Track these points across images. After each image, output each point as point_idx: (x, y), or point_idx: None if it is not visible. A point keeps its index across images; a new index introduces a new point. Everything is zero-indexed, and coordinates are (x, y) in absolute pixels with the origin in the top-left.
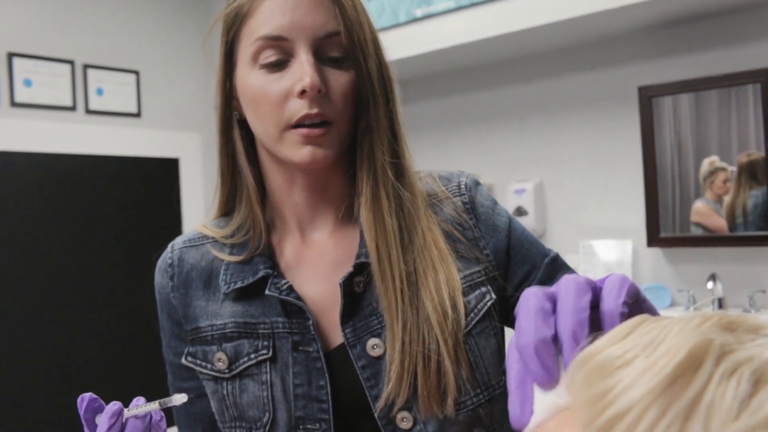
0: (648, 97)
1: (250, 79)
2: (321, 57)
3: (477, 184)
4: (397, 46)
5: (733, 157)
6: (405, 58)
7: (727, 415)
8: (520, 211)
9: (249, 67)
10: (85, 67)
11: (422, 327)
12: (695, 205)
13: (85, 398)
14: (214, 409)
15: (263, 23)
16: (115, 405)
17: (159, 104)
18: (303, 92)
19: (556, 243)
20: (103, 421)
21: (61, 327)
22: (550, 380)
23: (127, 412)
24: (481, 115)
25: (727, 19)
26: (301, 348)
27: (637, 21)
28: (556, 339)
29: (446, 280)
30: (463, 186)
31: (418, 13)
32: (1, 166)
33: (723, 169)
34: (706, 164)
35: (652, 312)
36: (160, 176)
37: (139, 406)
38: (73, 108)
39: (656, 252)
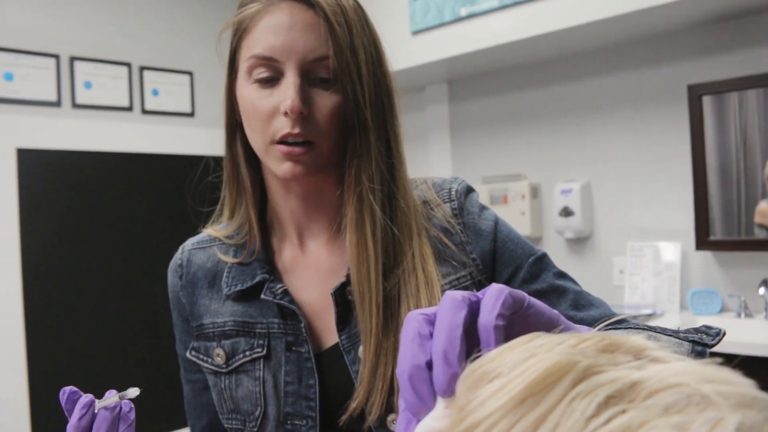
0: (698, 96)
1: (244, 91)
2: (311, 77)
3: (469, 191)
4: (443, 45)
5: None
6: (450, 57)
7: None
8: (567, 212)
9: (245, 79)
10: (142, 69)
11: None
12: (760, 205)
13: (65, 391)
14: (214, 401)
15: (258, 41)
16: (86, 397)
17: (212, 104)
18: (286, 113)
19: (603, 245)
20: (75, 411)
21: (124, 317)
22: (421, 408)
23: (99, 404)
24: (527, 114)
25: None
26: (294, 348)
27: (687, 17)
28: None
29: (428, 306)
30: (453, 192)
31: (463, 12)
32: (64, 165)
33: None
34: None
35: (547, 320)
36: (214, 173)
37: (109, 398)
38: (129, 108)
39: (706, 255)
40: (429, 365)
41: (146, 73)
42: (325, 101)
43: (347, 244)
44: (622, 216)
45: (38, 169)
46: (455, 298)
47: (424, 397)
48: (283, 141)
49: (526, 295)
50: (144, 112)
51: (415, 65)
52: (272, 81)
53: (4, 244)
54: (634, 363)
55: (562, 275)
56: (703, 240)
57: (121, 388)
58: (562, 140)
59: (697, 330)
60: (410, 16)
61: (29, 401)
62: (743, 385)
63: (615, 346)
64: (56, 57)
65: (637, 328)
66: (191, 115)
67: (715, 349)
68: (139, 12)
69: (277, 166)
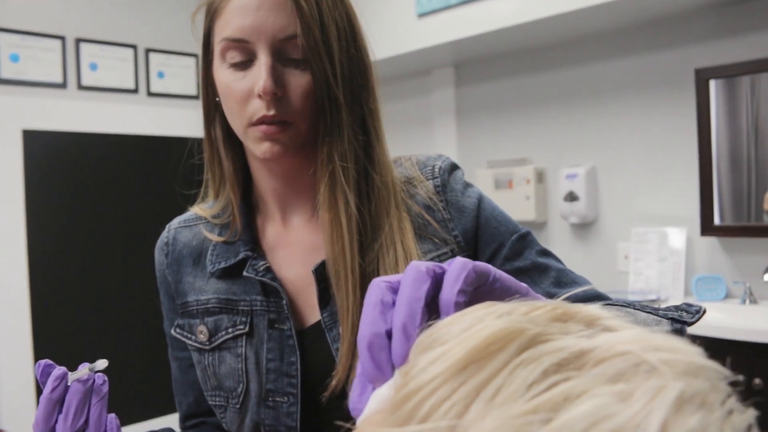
0: (705, 80)
1: (220, 74)
2: (284, 57)
3: (453, 168)
4: (449, 28)
5: None
6: (456, 40)
7: (506, 399)
8: (572, 197)
9: (219, 63)
10: (147, 51)
11: None
12: None
13: (41, 364)
14: (199, 378)
15: (228, 23)
16: (59, 370)
17: None
18: (260, 95)
19: (607, 230)
20: (48, 383)
21: (131, 298)
22: (377, 375)
23: (71, 376)
24: (533, 98)
25: None
26: (276, 326)
27: (694, 0)
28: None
29: None
30: (437, 170)
31: None
32: (70, 146)
33: None
34: None
35: (515, 294)
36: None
37: (81, 370)
38: (135, 90)
39: (712, 241)
40: (389, 334)
41: (152, 55)
42: (299, 80)
43: (321, 222)
44: (628, 201)
45: (44, 150)
46: (419, 270)
47: (382, 365)
48: (259, 122)
49: (492, 268)
50: (149, 94)
51: (421, 48)
52: (246, 63)
53: (10, 224)
54: (585, 332)
55: (545, 253)
56: (708, 226)
57: (128, 372)
58: (567, 125)
59: (677, 307)
60: None
61: (35, 382)
62: (691, 353)
63: (568, 315)
64: (62, 39)
65: (615, 304)
66: (197, 97)
67: (720, 336)
68: None
69: (256, 146)
